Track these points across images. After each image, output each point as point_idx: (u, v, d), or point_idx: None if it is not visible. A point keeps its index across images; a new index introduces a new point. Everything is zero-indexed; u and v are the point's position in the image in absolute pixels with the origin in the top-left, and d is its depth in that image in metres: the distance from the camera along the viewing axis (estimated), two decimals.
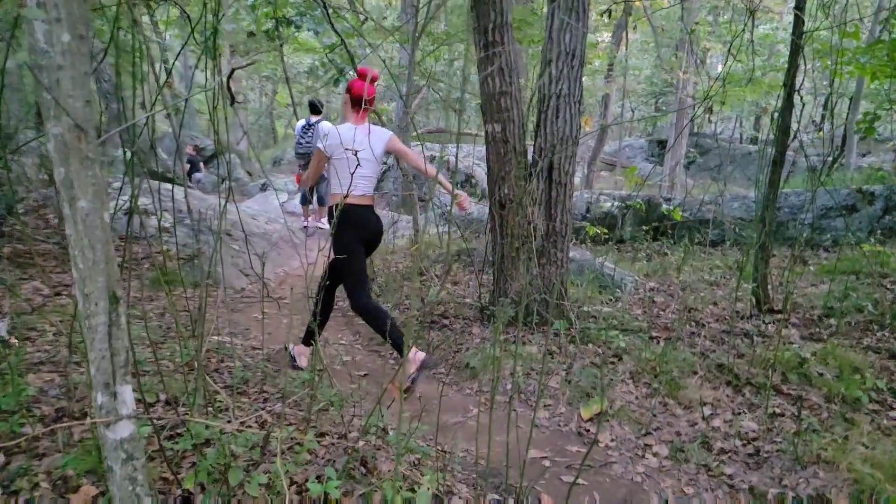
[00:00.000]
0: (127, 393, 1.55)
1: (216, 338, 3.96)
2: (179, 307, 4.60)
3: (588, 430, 3.08)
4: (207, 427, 1.97)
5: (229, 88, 1.96)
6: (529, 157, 4.33)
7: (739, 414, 3.15)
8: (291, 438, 2.22)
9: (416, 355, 3.33)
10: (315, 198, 8.70)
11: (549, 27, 4.15)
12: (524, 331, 4.14)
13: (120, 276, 1.67)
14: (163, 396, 2.83)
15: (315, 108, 8.31)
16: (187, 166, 10.52)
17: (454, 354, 3.96)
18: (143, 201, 6.60)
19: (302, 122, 8.37)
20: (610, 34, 13.89)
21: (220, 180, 14.90)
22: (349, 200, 3.35)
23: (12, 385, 2.24)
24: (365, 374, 3.72)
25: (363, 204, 3.45)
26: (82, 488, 2.02)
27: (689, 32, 6.38)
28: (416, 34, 6.03)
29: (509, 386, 3.54)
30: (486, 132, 4.27)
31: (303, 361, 3.65)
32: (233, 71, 2.43)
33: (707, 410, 3.17)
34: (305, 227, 8.73)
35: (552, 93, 4.14)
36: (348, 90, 3.47)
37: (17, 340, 3.57)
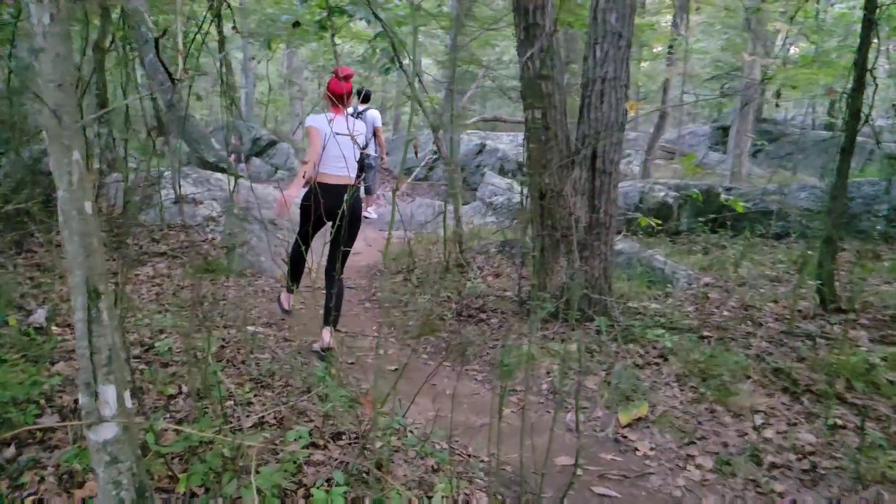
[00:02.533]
0: (109, 393, 1.47)
1: (250, 328, 3.93)
2: (218, 296, 4.61)
3: (626, 437, 2.88)
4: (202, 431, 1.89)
5: (163, 64, 1.82)
6: (572, 144, 4.11)
7: (796, 424, 2.88)
8: (301, 438, 2.12)
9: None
10: (363, 187, 8.66)
11: (593, 6, 3.92)
12: (564, 327, 3.94)
13: (110, 269, 1.60)
14: (185, 388, 2.80)
15: (364, 97, 8.23)
16: (233, 157, 10.71)
17: (489, 351, 3.80)
18: (193, 190, 6.69)
19: (349, 110, 8.31)
20: (671, 15, 13.29)
21: (274, 169, 15.13)
22: (323, 179, 3.80)
23: (28, 375, 2.23)
24: (395, 369, 3.61)
25: (338, 183, 3.79)
26: (87, 484, 1.98)
27: (754, 11, 5.96)
28: (460, 18, 5.85)
29: (545, 386, 3.37)
30: (526, 118, 4.07)
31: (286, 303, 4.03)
32: (157, 40, 2.33)
33: (759, 419, 2.92)
34: None
35: (596, 76, 3.91)
36: (327, 87, 3.90)
37: (56, 328, 3.63)
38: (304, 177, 3.76)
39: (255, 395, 2.82)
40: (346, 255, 3.70)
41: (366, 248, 7.02)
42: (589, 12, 4.02)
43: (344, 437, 2.44)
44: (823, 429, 2.81)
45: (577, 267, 3.97)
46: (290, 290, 4.03)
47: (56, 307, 3.90)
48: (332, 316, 3.76)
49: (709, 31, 18.95)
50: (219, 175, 7.29)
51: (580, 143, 4.00)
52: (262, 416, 2.57)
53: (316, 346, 3.72)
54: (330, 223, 3.74)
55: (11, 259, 4.92)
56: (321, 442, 2.34)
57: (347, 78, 3.95)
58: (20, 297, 4.07)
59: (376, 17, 5.80)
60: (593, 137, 3.94)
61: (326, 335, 3.74)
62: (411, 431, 2.66)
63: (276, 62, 24.42)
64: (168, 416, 2.50)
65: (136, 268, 5.07)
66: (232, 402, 2.71)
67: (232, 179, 7.17)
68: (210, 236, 5.83)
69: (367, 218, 8.68)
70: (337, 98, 3.88)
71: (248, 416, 2.56)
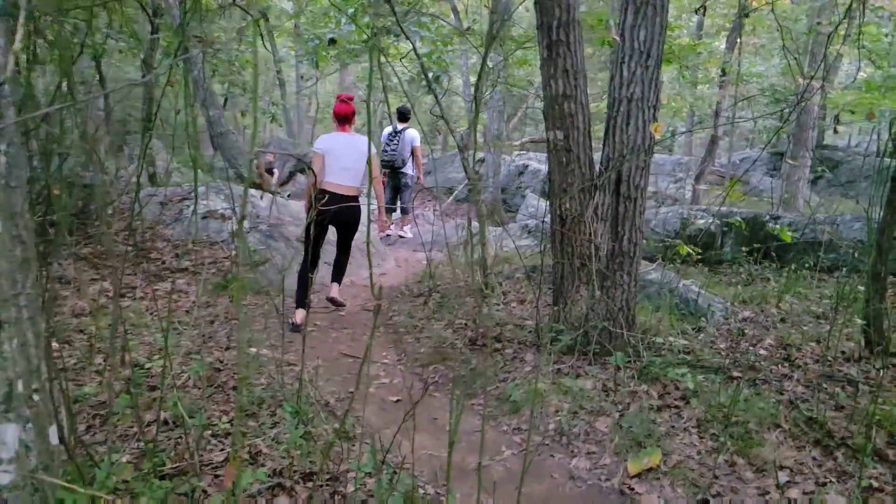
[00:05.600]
0: (9, 433, 1.33)
1: (253, 350, 3.83)
2: (231, 315, 4.55)
3: (632, 489, 2.62)
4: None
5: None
6: (595, 167, 3.90)
7: (825, 484, 2.57)
8: (271, 476, 1.98)
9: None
10: (399, 206, 8.57)
11: (622, 24, 3.72)
12: (581, 361, 3.70)
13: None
14: (164, 415, 2.70)
15: (402, 116, 8.19)
16: (275, 172, 10.84)
17: (498, 384, 3.59)
18: (224, 206, 6.72)
19: (388, 129, 8.29)
20: (726, 37, 12.87)
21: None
22: (329, 188, 4.52)
23: None
24: (397, 400, 3.45)
25: (340, 192, 4.53)
26: None
27: (807, 33, 5.63)
28: (491, 39, 5.71)
29: (552, 426, 3.14)
30: (548, 140, 3.89)
31: (298, 318, 4.50)
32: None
33: (784, 476, 2.62)
34: (388, 235, 8.63)
35: (623, 96, 3.70)
36: (333, 109, 4.77)
37: (56, 344, 3.60)
38: (308, 197, 4.61)
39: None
40: (350, 240, 4.89)
41: (394, 270, 6.91)
42: (617, 30, 3.83)
43: (315, 477, 2.28)
44: (856, 490, 2.49)
45: (597, 298, 3.74)
46: (300, 305, 4.53)
47: (63, 322, 3.89)
48: (338, 273, 4.94)
49: (766, 54, 18.33)
50: (252, 191, 7.32)
51: (604, 166, 3.79)
52: (237, 451, 2.43)
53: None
54: (333, 227, 4.76)
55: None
56: (288, 483, 2.19)
57: (347, 101, 4.82)
58: None
59: (408, 37, 5.74)
60: (618, 161, 3.72)
61: (334, 289, 4.93)
62: (395, 472, 2.48)
63: (332, 81, 24.82)
64: (136, 445, 2.39)
65: (156, 283, 5.08)
66: (209, 433, 2.60)
67: (262, 196, 7.20)
68: (233, 252, 5.82)
69: (402, 237, 8.60)
70: (339, 118, 4.73)
71: (221, 449, 2.43)
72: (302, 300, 4.51)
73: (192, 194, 6.66)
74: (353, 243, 4.96)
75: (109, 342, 3.05)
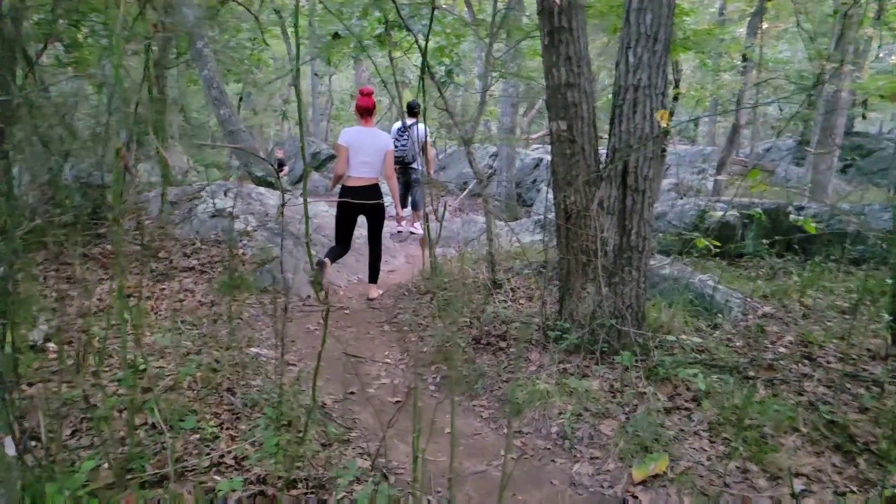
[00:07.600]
0: None
1: (253, 350, 3.75)
2: (236, 314, 4.48)
3: (636, 497, 2.48)
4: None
5: None
6: (601, 158, 3.75)
7: (845, 494, 2.41)
8: (254, 483, 1.88)
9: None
10: (410, 202, 8.47)
11: (626, 7, 3.56)
12: (588, 360, 3.56)
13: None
14: (150, 419, 2.62)
15: (412, 111, 8.08)
16: (285, 169, 10.78)
17: (501, 384, 3.47)
18: (232, 204, 6.66)
19: (398, 124, 8.18)
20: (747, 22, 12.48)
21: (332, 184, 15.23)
22: (351, 182, 4.90)
23: None
24: (398, 401, 3.34)
25: (361, 185, 4.89)
26: None
27: (829, 16, 5.37)
28: (494, 29, 5.58)
29: (555, 429, 3.01)
30: (551, 130, 3.74)
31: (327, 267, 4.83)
32: None
33: (800, 485, 2.46)
34: (399, 231, 8.53)
35: (629, 84, 3.53)
36: (356, 103, 5.04)
37: (56, 345, 3.56)
38: (332, 188, 5.32)
39: (226, 430, 2.61)
40: (378, 229, 5.17)
41: (404, 266, 6.81)
42: (622, 14, 3.66)
43: (300, 485, 2.18)
44: (879, 500, 2.32)
45: (604, 294, 3.59)
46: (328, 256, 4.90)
47: (67, 323, 3.85)
48: (374, 274, 5.29)
49: (791, 39, 17.82)
50: (261, 189, 7.27)
51: (610, 157, 3.63)
52: (222, 456, 2.35)
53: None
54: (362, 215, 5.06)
55: (44, 271, 4.98)
56: (271, 491, 2.09)
57: (368, 95, 5.01)
58: (39, 310, 4.05)
59: (409, 31, 5.61)
60: (624, 151, 3.56)
61: (373, 291, 5.31)
62: (384, 478, 2.38)
63: (348, 77, 24.78)
64: (121, 450, 2.32)
65: (163, 282, 5.04)
66: (197, 436, 2.52)
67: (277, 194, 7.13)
68: (242, 251, 5.76)
69: (413, 233, 8.49)
70: (361, 111, 5.01)
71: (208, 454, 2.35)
72: (331, 255, 4.92)
73: (202, 193, 6.63)
74: (357, 238, 5.05)
75: (103, 344, 3.00)
